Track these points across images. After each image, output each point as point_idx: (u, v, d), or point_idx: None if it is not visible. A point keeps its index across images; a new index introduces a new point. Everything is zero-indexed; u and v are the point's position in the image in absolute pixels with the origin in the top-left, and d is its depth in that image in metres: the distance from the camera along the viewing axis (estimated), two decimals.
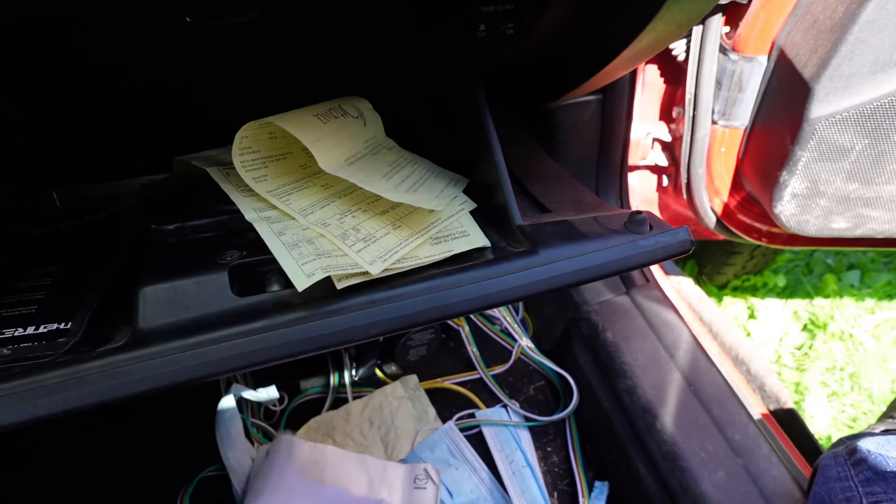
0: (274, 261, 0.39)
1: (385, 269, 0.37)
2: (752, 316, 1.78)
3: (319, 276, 0.35)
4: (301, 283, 0.34)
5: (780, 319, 1.75)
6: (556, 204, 0.49)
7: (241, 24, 0.40)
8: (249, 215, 0.39)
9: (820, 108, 0.70)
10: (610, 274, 0.40)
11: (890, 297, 1.76)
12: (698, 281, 1.80)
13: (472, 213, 0.46)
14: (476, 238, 0.43)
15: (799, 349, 1.70)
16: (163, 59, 0.44)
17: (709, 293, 1.81)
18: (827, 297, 1.78)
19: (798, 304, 1.78)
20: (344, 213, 0.41)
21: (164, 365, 0.34)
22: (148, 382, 0.34)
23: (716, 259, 1.70)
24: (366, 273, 0.37)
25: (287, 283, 0.39)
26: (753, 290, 1.81)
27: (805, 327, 1.74)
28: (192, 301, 0.37)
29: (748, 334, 1.70)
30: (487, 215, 0.46)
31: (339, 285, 0.36)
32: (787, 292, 1.82)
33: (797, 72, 0.72)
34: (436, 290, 0.38)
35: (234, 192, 0.41)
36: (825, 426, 1.52)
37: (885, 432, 0.76)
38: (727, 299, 1.81)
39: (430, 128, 0.60)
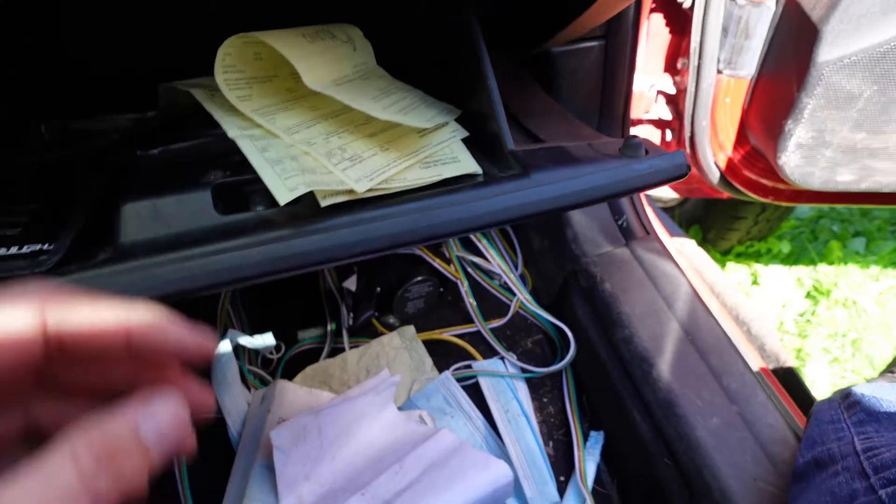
0: (258, 180, 0.38)
1: (371, 189, 0.36)
2: (755, 282, 1.77)
3: (302, 190, 0.34)
4: (283, 197, 0.34)
5: (784, 286, 1.75)
6: (551, 135, 0.47)
7: None
8: (232, 132, 0.38)
9: (828, 51, 0.68)
10: (604, 198, 0.39)
11: (895, 264, 1.74)
12: (702, 246, 1.78)
13: (464, 143, 0.45)
14: (467, 164, 0.42)
15: (801, 316, 1.69)
16: None
17: (712, 259, 1.80)
18: (831, 264, 1.76)
19: (802, 271, 1.77)
20: (330, 134, 0.40)
21: (145, 279, 0.34)
22: (128, 296, 0.33)
23: (719, 224, 1.68)
24: (351, 191, 0.36)
25: (272, 203, 0.38)
26: (757, 257, 1.80)
27: (808, 294, 1.73)
28: (174, 218, 0.36)
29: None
30: (480, 144, 0.45)
31: (323, 203, 0.36)
32: (791, 259, 1.80)
33: (805, 14, 0.70)
34: (422, 211, 0.37)
35: (217, 111, 0.40)
36: (825, 392, 1.52)
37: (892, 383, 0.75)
38: (730, 265, 1.80)
39: (422, 62, 0.58)
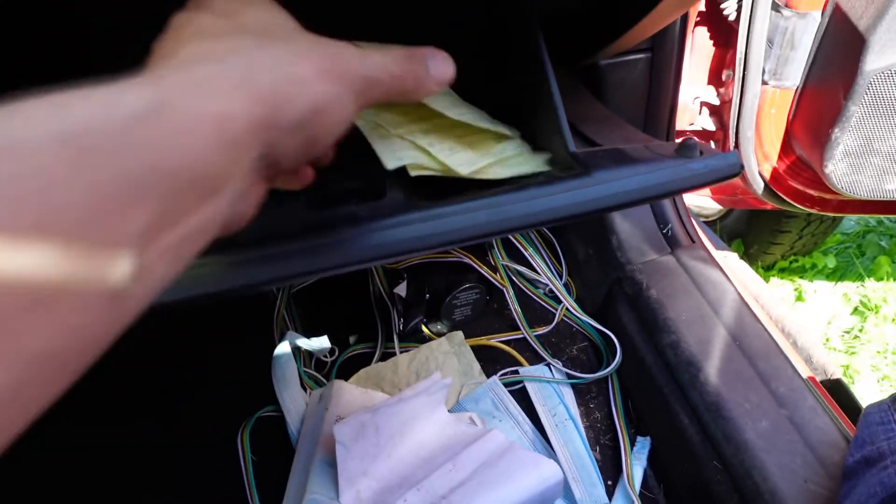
0: (346, 179, 0.42)
1: (473, 172, 0.41)
2: (799, 298, 1.74)
3: (407, 161, 0.38)
4: (391, 163, 0.38)
5: (830, 302, 1.72)
6: (607, 139, 0.50)
7: None
8: None
9: (875, 60, 0.69)
10: (661, 195, 0.41)
11: None
12: (745, 261, 1.77)
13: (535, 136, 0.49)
14: (538, 164, 0.45)
15: (848, 332, 1.66)
16: None
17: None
18: (880, 279, 1.73)
19: (848, 287, 1.74)
20: (425, 133, 0.43)
21: (251, 264, 0.37)
22: (240, 278, 0.37)
23: (762, 238, 1.67)
24: (451, 171, 0.40)
25: (359, 200, 0.41)
26: (802, 272, 1.78)
27: (856, 310, 1.70)
28: (272, 215, 0.40)
29: None
30: (543, 148, 0.48)
31: (413, 173, 0.40)
32: (837, 274, 1.77)
33: (852, 25, 0.72)
34: (494, 206, 0.40)
35: None
36: None
37: None
38: (774, 280, 1.78)
39: (482, 74, 0.62)
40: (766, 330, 0.74)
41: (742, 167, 0.44)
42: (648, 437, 0.79)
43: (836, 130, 0.76)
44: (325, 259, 0.38)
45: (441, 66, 0.33)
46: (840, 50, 0.75)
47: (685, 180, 0.41)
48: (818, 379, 1.02)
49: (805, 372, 0.80)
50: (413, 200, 0.41)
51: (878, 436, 0.54)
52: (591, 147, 0.50)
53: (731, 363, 0.71)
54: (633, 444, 0.80)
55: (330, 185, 0.42)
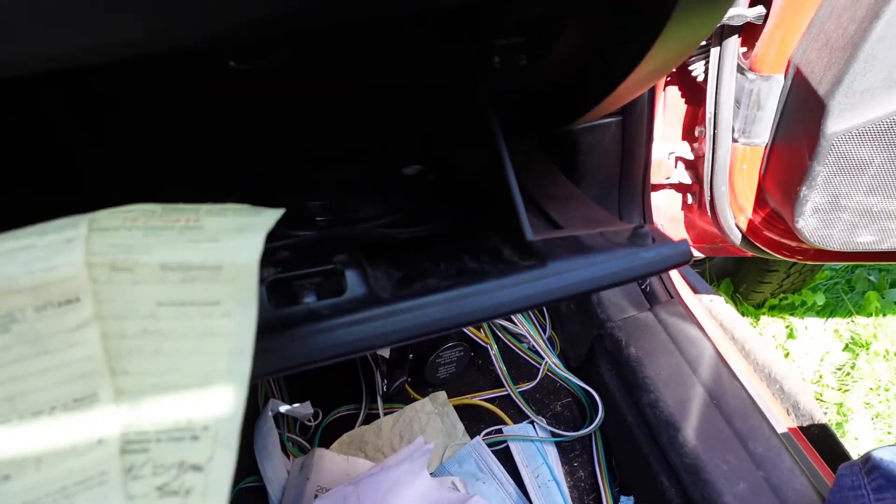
0: (307, 276, 0.44)
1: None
2: (791, 335, 1.75)
3: None
4: None
5: (821, 339, 1.72)
6: (568, 221, 0.51)
7: (276, 65, 0.45)
8: None
9: (836, 123, 0.71)
10: (614, 284, 0.43)
11: None
12: (734, 300, 1.78)
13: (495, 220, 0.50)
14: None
15: (841, 369, 1.66)
16: (207, 102, 0.49)
17: (745, 312, 1.79)
18: (869, 315, 1.73)
19: (839, 323, 1.75)
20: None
21: None
22: None
23: (751, 277, 1.68)
24: None
25: (317, 296, 0.42)
26: (792, 309, 1.78)
27: (847, 346, 1.70)
28: None
29: (787, 354, 1.67)
30: (504, 231, 0.49)
31: None
32: (828, 311, 1.78)
33: (813, 89, 0.74)
34: (452, 301, 0.41)
35: None
36: (869, 448, 1.48)
37: None
38: (764, 318, 1.78)
39: (454, 154, 0.64)
40: (744, 387, 0.75)
41: (692, 256, 0.45)
42: (632, 497, 0.79)
43: (805, 188, 0.77)
44: (285, 359, 0.39)
45: None
46: (803, 112, 0.77)
47: (637, 269, 0.42)
48: (805, 425, 1.02)
49: (787, 423, 0.81)
50: (373, 294, 0.42)
51: (848, 502, 0.54)
52: (553, 228, 0.51)
53: (709, 423, 0.72)
54: None
55: (289, 281, 0.43)
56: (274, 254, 0.46)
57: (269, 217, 0.34)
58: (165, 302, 0.31)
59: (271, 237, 0.46)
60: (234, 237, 0.32)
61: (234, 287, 0.31)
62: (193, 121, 0.53)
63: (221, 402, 0.31)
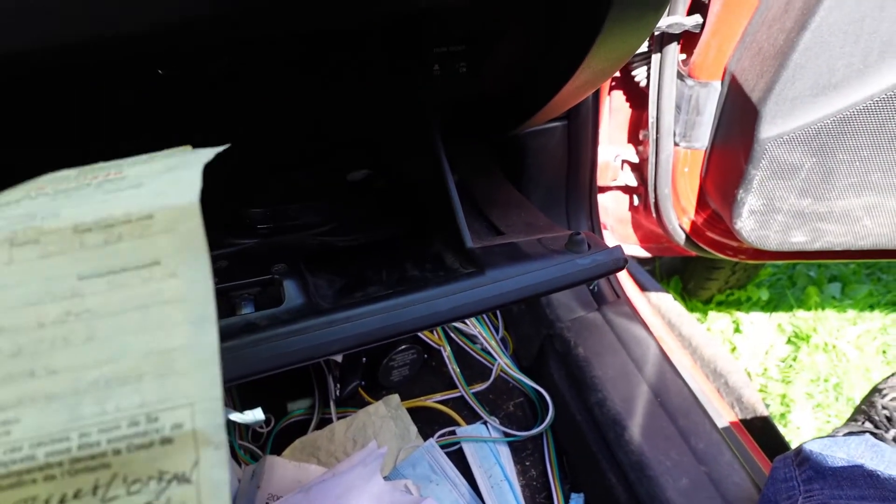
0: (243, 286, 0.43)
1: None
2: (737, 330, 1.81)
3: None
4: None
5: (766, 332, 1.78)
6: (510, 227, 0.52)
7: (211, 74, 0.44)
8: None
9: (768, 129, 0.74)
10: (550, 291, 0.44)
11: (871, 307, 1.79)
12: (683, 297, 1.83)
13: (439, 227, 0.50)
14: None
15: (784, 361, 1.73)
16: (138, 105, 0.48)
17: (694, 308, 1.85)
18: (809, 309, 1.81)
19: (782, 317, 1.81)
20: None
21: None
22: None
23: (698, 275, 1.73)
24: None
25: (255, 307, 0.42)
26: (738, 305, 1.84)
27: (790, 340, 1.77)
28: None
29: (734, 349, 1.73)
30: (445, 239, 0.50)
31: None
32: (772, 305, 1.85)
33: (747, 96, 0.77)
34: (389, 310, 0.41)
35: None
36: (810, 436, 1.54)
37: (848, 434, 0.79)
38: (712, 314, 1.84)
39: (399, 160, 0.64)
40: (686, 385, 0.77)
41: (626, 261, 0.46)
42: (582, 494, 0.81)
43: (741, 191, 0.80)
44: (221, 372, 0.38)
45: None
46: (738, 117, 0.80)
47: (572, 276, 0.43)
48: (748, 418, 1.06)
49: (730, 417, 0.84)
50: (311, 304, 0.42)
51: (780, 494, 0.56)
52: (494, 234, 0.52)
53: (654, 420, 0.74)
54: (567, 501, 0.81)
55: (227, 292, 0.43)
56: (212, 263, 0.46)
57: (205, 153, 0.28)
58: (88, 273, 0.24)
59: (210, 246, 0.45)
60: (163, 178, 0.26)
61: (174, 238, 0.25)
62: (126, 123, 0.52)
63: (190, 388, 0.24)
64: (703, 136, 0.88)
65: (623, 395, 0.77)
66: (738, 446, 0.76)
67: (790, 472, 0.58)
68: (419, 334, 0.95)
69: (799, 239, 0.86)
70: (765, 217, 0.83)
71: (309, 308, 0.41)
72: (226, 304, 0.43)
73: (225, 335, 0.40)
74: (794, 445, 0.91)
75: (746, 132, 0.78)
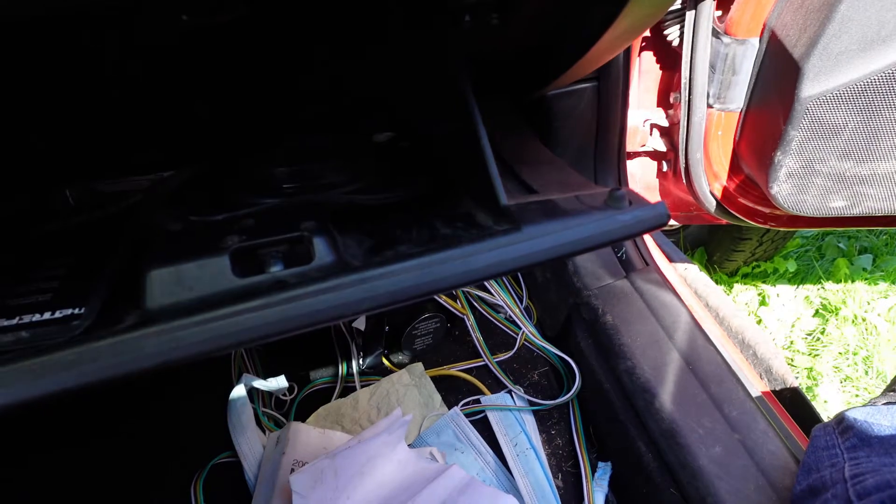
0: (272, 244, 0.42)
1: None
2: (763, 302, 1.78)
3: None
4: None
5: (792, 305, 1.75)
6: (543, 186, 0.50)
7: (233, 21, 0.42)
8: None
9: (810, 87, 0.71)
10: (590, 248, 0.42)
11: None
12: (708, 268, 1.80)
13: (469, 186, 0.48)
14: None
15: (811, 334, 1.70)
16: (162, 60, 0.46)
17: (719, 281, 1.81)
18: (839, 281, 1.77)
19: (810, 290, 1.78)
20: None
21: (170, 341, 0.36)
22: (155, 357, 0.36)
23: (724, 246, 1.70)
24: None
25: (284, 265, 0.41)
26: (764, 277, 1.81)
27: (817, 312, 1.73)
28: (196, 282, 0.39)
29: (759, 321, 1.70)
30: (477, 196, 0.48)
31: None
32: (799, 278, 1.81)
33: (788, 52, 0.73)
34: (425, 267, 0.39)
35: None
36: (837, 410, 1.52)
37: (887, 405, 0.76)
38: (738, 286, 1.81)
39: (425, 119, 0.62)
40: (719, 352, 0.75)
41: (669, 216, 0.44)
42: (609, 463, 0.80)
43: (779, 154, 0.77)
44: (252, 331, 0.37)
45: None
46: (778, 76, 0.77)
47: (613, 232, 0.41)
48: (777, 389, 1.04)
49: (761, 387, 0.82)
50: (342, 262, 0.41)
51: (823, 462, 0.55)
52: (527, 193, 0.50)
53: (685, 388, 0.72)
54: (594, 470, 0.80)
55: (254, 249, 0.41)
56: (238, 222, 0.44)
57: None
58: None
59: (235, 205, 0.44)
60: None
61: None
62: (155, 83, 0.51)
63: None
64: (738, 96, 0.85)
65: (653, 362, 0.75)
66: (772, 415, 0.74)
67: (832, 440, 0.56)
68: (443, 303, 0.93)
69: (838, 204, 0.82)
70: (803, 181, 0.80)
71: (339, 266, 0.40)
72: (254, 262, 0.41)
73: (254, 293, 0.39)
74: (823, 419, 0.89)
75: (786, 91, 0.74)
